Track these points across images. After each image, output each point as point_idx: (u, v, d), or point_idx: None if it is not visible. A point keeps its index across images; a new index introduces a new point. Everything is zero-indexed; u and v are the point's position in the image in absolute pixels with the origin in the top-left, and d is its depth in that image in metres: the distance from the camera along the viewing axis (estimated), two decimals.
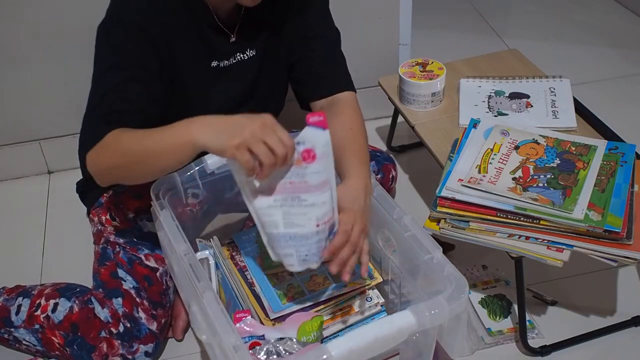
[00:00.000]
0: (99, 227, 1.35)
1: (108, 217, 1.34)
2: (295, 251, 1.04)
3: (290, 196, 1.00)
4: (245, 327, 1.10)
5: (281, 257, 1.06)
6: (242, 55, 1.24)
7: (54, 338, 1.23)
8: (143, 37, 1.12)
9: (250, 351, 1.06)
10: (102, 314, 1.22)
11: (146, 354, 1.23)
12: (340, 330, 1.17)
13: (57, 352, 1.25)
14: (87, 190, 1.43)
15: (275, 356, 1.04)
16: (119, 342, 1.21)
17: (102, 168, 1.10)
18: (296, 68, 1.30)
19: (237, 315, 1.13)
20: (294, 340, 1.07)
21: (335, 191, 1.03)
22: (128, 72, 1.11)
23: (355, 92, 1.31)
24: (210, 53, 1.21)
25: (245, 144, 0.94)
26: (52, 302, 1.26)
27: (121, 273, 1.26)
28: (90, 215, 1.40)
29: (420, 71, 1.51)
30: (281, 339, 1.07)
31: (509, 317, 1.34)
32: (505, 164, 1.25)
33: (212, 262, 1.24)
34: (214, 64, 1.23)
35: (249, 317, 1.12)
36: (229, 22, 1.21)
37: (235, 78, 1.27)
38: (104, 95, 1.12)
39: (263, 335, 1.09)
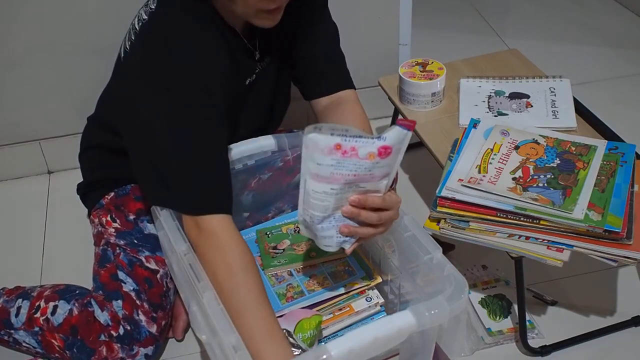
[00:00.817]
0: (100, 229, 1.35)
1: (109, 218, 1.34)
2: (336, 232, 1.02)
3: (350, 185, 0.98)
4: None
5: (319, 238, 1.03)
6: (261, 65, 1.24)
7: (53, 341, 1.23)
8: (210, 83, 1.07)
9: None
10: (102, 317, 1.21)
11: (146, 356, 1.23)
12: (340, 330, 1.17)
13: (57, 355, 1.25)
14: (88, 191, 1.43)
15: None
16: (119, 345, 1.21)
17: (207, 256, 1.05)
18: (298, 66, 1.30)
19: None
20: (292, 333, 1.07)
21: (391, 178, 1.02)
22: (206, 124, 1.06)
23: (355, 89, 1.32)
24: (244, 74, 1.21)
25: None
26: (51, 304, 1.26)
27: (121, 275, 1.26)
28: (91, 216, 1.40)
29: (420, 71, 1.51)
30: None
31: (509, 317, 1.34)
32: (505, 164, 1.25)
33: None
34: (248, 81, 1.22)
35: None
36: (251, 40, 1.20)
37: (261, 89, 1.27)
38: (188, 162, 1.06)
39: None
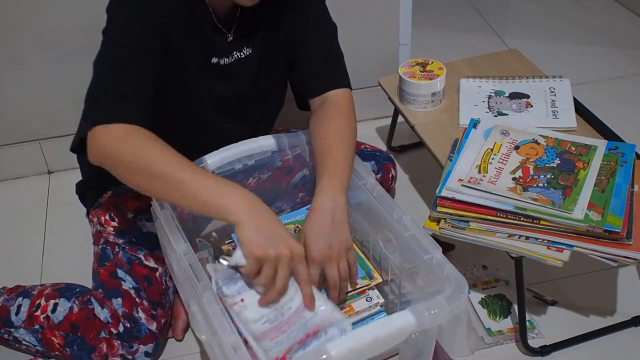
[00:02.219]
0: (99, 228, 1.35)
1: (107, 217, 1.34)
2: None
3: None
4: None
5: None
6: (239, 54, 1.24)
7: (53, 338, 1.23)
8: (149, 20, 1.10)
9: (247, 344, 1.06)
10: (102, 314, 1.22)
11: (146, 354, 1.23)
12: None
13: (57, 353, 1.25)
14: (87, 190, 1.43)
15: None
16: (119, 342, 1.21)
17: (109, 153, 1.03)
18: (294, 66, 1.30)
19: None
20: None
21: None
22: (135, 55, 1.09)
23: (351, 88, 1.29)
24: (209, 49, 1.21)
25: (277, 260, 0.95)
26: (51, 302, 1.26)
27: (121, 273, 1.26)
28: (90, 215, 1.40)
29: (420, 71, 1.51)
30: None
31: (509, 317, 1.34)
32: (505, 164, 1.25)
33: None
34: (214, 60, 1.22)
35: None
36: (226, 21, 1.21)
37: (236, 76, 1.27)
38: (112, 72, 1.08)
39: None
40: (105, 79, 1.09)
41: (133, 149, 1.02)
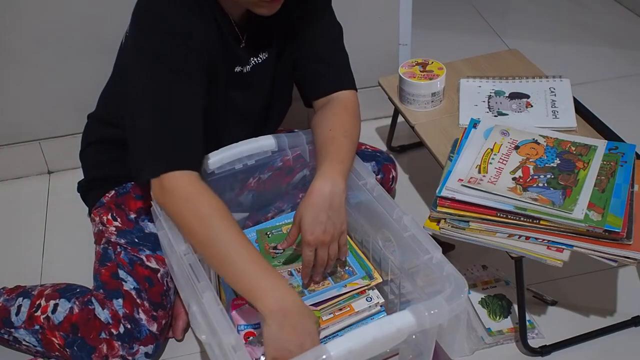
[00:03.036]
0: (100, 227, 1.35)
1: (109, 217, 1.34)
2: None
3: None
4: (241, 315, 1.10)
5: None
6: (256, 60, 1.24)
7: (54, 339, 1.23)
8: (191, 47, 1.09)
9: (246, 342, 1.06)
10: (103, 315, 1.22)
11: (146, 355, 1.23)
12: (340, 330, 1.17)
13: (57, 353, 1.25)
14: (89, 190, 1.43)
15: None
16: (119, 343, 1.21)
17: (176, 212, 1.07)
18: (298, 66, 1.30)
19: (235, 303, 1.13)
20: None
21: None
22: (185, 85, 1.09)
23: (356, 90, 1.31)
24: (232, 58, 1.21)
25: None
26: (52, 302, 1.26)
27: (122, 274, 1.26)
28: (92, 215, 1.40)
29: (420, 71, 1.51)
30: None
31: (509, 317, 1.34)
32: (505, 164, 1.25)
33: None
34: (237, 69, 1.22)
35: (246, 305, 1.12)
36: (241, 28, 1.20)
37: (257, 83, 1.27)
38: (167, 113, 1.08)
39: (259, 324, 1.09)
40: (159, 119, 1.08)
41: (200, 215, 1.05)
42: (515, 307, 1.29)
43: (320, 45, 1.28)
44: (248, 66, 1.24)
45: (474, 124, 1.38)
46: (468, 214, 1.18)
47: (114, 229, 1.32)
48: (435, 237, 1.12)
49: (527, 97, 1.49)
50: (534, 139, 1.31)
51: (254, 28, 1.22)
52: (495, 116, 1.44)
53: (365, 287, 1.20)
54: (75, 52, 1.62)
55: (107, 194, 1.37)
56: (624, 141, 1.33)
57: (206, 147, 1.19)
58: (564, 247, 1.14)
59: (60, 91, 1.68)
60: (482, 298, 1.38)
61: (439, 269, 1.04)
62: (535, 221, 1.15)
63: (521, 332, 1.27)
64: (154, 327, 1.24)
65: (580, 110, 1.45)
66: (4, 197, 1.76)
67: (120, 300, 1.23)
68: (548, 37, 2.29)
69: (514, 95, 1.49)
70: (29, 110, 1.71)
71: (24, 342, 1.27)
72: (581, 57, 2.17)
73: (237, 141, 1.27)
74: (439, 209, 1.20)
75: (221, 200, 1.07)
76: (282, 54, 1.28)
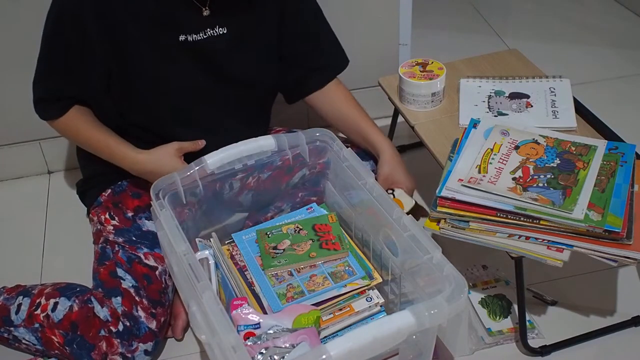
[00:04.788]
0: (99, 227, 1.35)
1: (107, 216, 1.34)
2: None
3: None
4: (241, 315, 1.11)
5: None
6: (211, 32, 1.25)
7: (53, 337, 1.23)
8: (79, 28, 1.20)
9: (246, 342, 1.06)
10: (102, 312, 1.22)
11: (145, 352, 1.23)
12: (340, 330, 1.17)
13: (56, 351, 1.25)
14: (87, 189, 1.43)
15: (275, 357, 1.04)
16: (119, 340, 1.21)
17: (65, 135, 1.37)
18: (287, 63, 1.33)
19: (234, 303, 1.13)
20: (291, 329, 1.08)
21: None
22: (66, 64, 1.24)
23: (345, 63, 1.47)
24: (176, 26, 1.22)
25: None
26: (52, 301, 1.26)
27: (120, 272, 1.26)
28: (90, 214, 1.40)
29: (420, 71, 1.51)
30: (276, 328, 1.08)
31: (509, 317, 1.34)
32: (505, 164, 1.25)
33: (212, 262, 1.24)
34: (182, 37, 1.23)
35: (246, 305, 1.12)
36: None
37: (206, 55, 1.28)
38: (51, 73, 1.28)
39: (259, 324, 1.10)
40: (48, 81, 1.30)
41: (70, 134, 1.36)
42: (515, 307, 1.29)
43: (309, 39, 1.39)
44: (196, 35, 1.25)
45: (474, 124, 1.38)
46: (468, 214, 1.18)
47: (111, 227, 1.33)
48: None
49: (527, 97, 1.49)
50: (534, 139, 1.31)
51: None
52: (495, 116, 1.44)
53: (365, 287, 1.20)
54: None
55: (103, 193, 1.38)
56: (624, 141, 1.33)
57: (185, 131, 1.32)
58: (564, 247, 1.14)
59: None
60: (482, 298, 1.38)
61: (439, 269, 1.04)
62: (535, 221, 1.15)
63: (521, 332, 1.27)
64: (153, 325, 1.24)
65: (580, 110, 1.45)
66: (4, 197, 1.76)
67: (119, 298, 1.23)
68: (548, 37, 2.29)
69: (514, 95, 1.49)
70: (29, 110, 1.70)
71: (23, 341, 1.27)
72: (581, 57, 2.18)
73: (215, 123, 1.33)
74: (439, 209, 1.20)
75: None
76: (246, 34, 1.30)
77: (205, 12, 1.22)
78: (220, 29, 1.25)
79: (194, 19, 1.22)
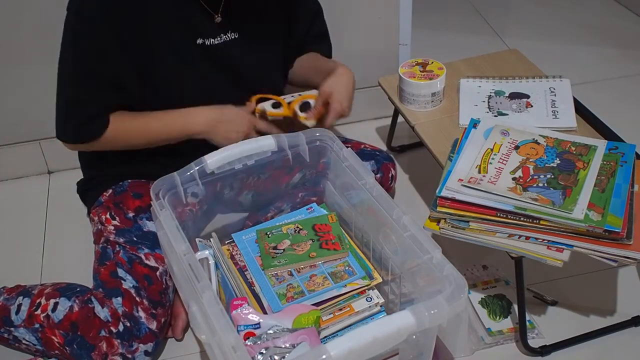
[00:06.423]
0: (99, 227, 1.35)
1: (108, 216, 1.34)
2: None
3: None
4: (241, 315, 1.11)
5: None
6: (225, 37, 1.27)
7: (53, 337, 1.23)
8: (105, 34, 1.19)
9: (246, 342, 1.06)
10: (102, 313, 1.22)
11: (146, 353, 1.23)
12: (340, 330, 1.17)
13: (56, 352, 1.25)
14: (88, 189, 1.43)
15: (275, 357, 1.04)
16: (119, 341, 1.21)
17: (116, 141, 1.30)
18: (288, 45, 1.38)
19: (234, 303, 1.13)
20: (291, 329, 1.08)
21: None
22: (95, 81, 1.24)
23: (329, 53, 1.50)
24: (192, 30, 1.24)
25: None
26: (52, 301, 1.26)
27: (121, 272, 1.26)
28: (91, 214, 1.40)
29: (420, 71, 1.51)
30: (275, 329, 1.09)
31: (509, 317, 1.34)
32: (505, 164, 1.25)
33: (212, 262, 1.24)
34: (200, 41, 1.24)
35: (245, 305, 1.12)
36: (212, 2, 1.23)
37: (223, 58, 1.30)
38: (91, 92, 1.26)
39: (259, 324, 1.10)
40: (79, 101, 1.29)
41: (117, 143, 1.32)
42: (515, 307, 1.29)
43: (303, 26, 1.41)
44: (213, 39, 1.27)
45: (474, 124, 1.38)
46: (468, 214, 1.18)
47: (112, 227, 1.32)
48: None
49: (527, 97, 1.49)
50: (534, 139, 1.31)
51: (228, 4, 1.25)
52: (495, 116, 1.44)
53: (365, 287, 1.20)
54: None
55: (104, 193, 1.37)
56: (624, 141, 1.33)
57: None
58: (564, 247, 1.14)
59: None
60: (482, 298, 1.38)
61: (439, 269, 1.04)
62: (535, 221, 1.15)
63: (521, 332, 1.27)
64: (153, 325, 1.24)
65: (580, 110, 1.45)
66: (4, 197, 1.76)
67: (120, 299, 1.23)
68: (548, 37, 2.29)
69: (514, 95, 1.49)
70: (29, 110, 1.71)
71: (23, 341, 1.27)
72: (581, 57, 2.18)
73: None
74: (439, 209, 1.20)
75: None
76: (257, 38, 1.32)
77: (217, 19, 1.25)
78: (233, 34, 1.28)
79: (208, 24, 1.24)
